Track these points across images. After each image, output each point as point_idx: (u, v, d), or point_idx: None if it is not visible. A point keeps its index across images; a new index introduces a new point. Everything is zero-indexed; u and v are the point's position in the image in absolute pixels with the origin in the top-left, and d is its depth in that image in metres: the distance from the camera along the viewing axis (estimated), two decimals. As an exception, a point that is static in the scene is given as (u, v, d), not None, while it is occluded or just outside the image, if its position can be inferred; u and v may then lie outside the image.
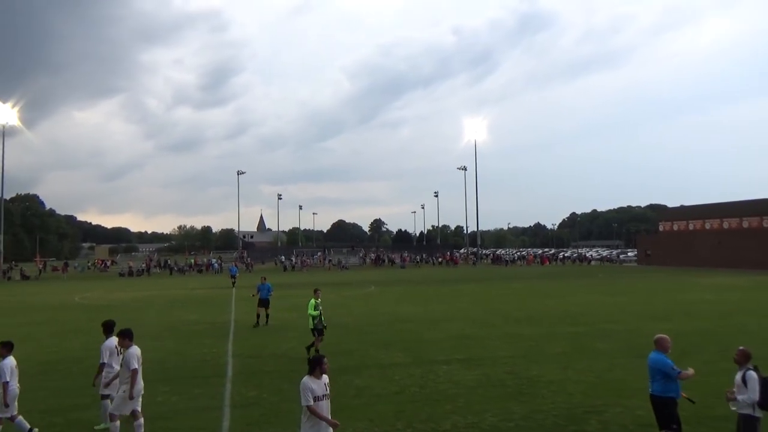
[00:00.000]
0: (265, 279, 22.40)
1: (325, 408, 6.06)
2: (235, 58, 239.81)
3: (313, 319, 15.23)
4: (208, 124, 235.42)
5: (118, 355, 8.95)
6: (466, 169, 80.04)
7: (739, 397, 6.81)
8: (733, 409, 7.01)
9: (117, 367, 8.74)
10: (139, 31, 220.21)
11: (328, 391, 6.19)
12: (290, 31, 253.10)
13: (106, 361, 8.96)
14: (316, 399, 6.00)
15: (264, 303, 21.17)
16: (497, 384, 11.85)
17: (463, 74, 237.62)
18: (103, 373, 8.99)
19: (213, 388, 11.96)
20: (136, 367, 8.10)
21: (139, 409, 8.26)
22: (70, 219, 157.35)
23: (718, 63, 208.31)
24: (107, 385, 8.95)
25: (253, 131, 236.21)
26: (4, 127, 65.01)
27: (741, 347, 7.17)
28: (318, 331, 15.23)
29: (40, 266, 71.36)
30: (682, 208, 71.86)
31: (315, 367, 6.17)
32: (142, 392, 8.41)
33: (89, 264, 78.51)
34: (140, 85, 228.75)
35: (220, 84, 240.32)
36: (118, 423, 8.07)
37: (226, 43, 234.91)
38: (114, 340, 9.08)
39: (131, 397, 8.02)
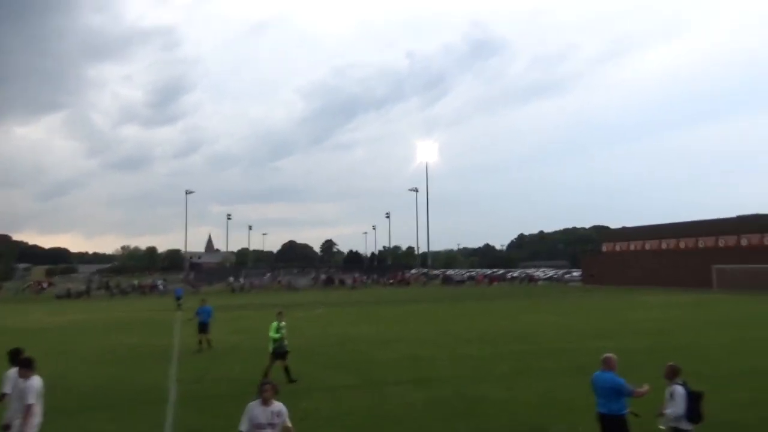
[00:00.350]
0: (204, 301, 21.39)
1: None
2: (186, 75, 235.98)
3: (273, 342, 14.45)
4: (157, 142, 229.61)
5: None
6: (417, 191, 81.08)
7: (667, 411, 7.14)
8: (661, 427, 7.34)
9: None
10: (87, 46, 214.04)
11: (276, 421, 5.92)
12: (245, 50, 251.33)
13: (8, 392, 7.95)
14: (256, 427, 5.78)
15: (203, 328, 20.08)
16: (445, 403, 11.89)
17: (416, 97, 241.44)
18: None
19: (155, 414, 11.51)
20: (33, 402, 7.43)
21: None
22: (5, 238, 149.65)
23: (663, 89, 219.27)
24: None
25: (204, 150, 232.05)
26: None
27: (670, 363, 7.51)
28: (279, 354, 14.41)
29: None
30: (624, 229, 74.60)
31: (259, 392, 6.02)
32: (36, 430, 7.59)
33: (24, 286, 74.64)
34: (86, 100, 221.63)
35: (169, 101, 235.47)
36: None
37: (178, 60, 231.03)
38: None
39: None
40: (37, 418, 7.59)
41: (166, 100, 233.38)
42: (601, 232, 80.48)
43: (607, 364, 7.57)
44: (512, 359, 17.26)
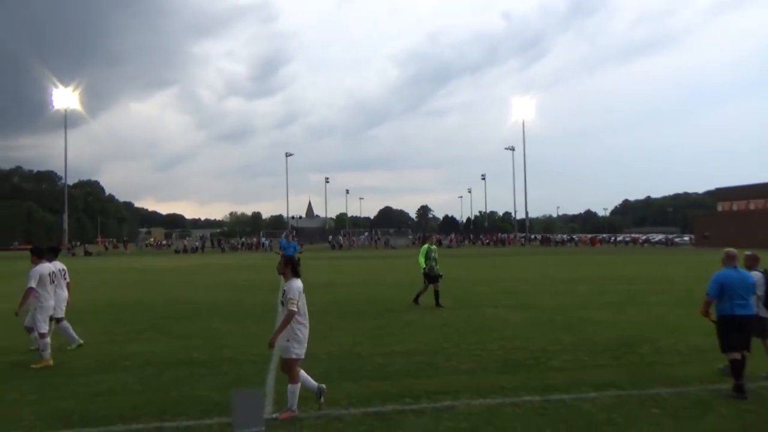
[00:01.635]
0: (291, 237, 20.82)
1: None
2: (283, 48, 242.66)
3: (423, 266, 14.02)
4: (258, 114, 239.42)
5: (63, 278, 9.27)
6: (514, 149, 78.81)
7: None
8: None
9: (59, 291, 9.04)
10: (192, 24, 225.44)
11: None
12: (338, 21, 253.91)
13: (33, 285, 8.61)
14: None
15: None
16: (545, 322, 11.73)
17: (512, 60, 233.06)
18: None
19: (263, 320, 12.32)
20: (31, 285, 8.36)
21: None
22: (129, 205, 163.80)
23: None
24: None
25: (302, 120, 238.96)
26: (66, 111, 68.35)
27: (747, 252, 7.24)
28: (431, 278, 13.98)
29: (103, 246, 74.77)
30: (742, 187, 68.37)
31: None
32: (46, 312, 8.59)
33: (147, 242, 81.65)
34: (193, 76, 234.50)
35: (269, 74, 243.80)
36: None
37: (275, 34, 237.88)
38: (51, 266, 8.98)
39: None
40: (41, 301, 8.48)
41: (265, 74, 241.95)
42: (717, 191, 74.20)
43: (735, 259, 6.86)
44: (617, 294, 16.63)
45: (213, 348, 9.42)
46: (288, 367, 5.91)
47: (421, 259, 14.16)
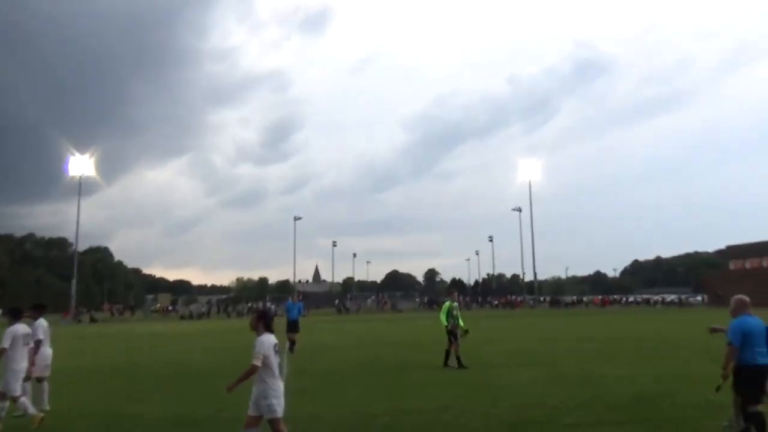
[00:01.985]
0: (296, 297, 19.68)
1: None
2: (295, 114, 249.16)
3: (445, 323, 13.56)
4: (269, 179, 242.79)
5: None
6: (521, 210, 78.99)
7: None
8: None
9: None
10: (209, 94, 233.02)
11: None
12: (350, 86, 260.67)
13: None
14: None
15: (292, 326, 17.24)
16: (558, 378, 11.39)
17: (519, 123, 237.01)
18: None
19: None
20: (4, 346, 8.06)
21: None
22: (137, 271, 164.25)
23: None
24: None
25: (312, 185, 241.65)
26: (80, 178, 69.59)
27: (737, 297, 6.76)
28: (454, 335, 13.48)
29: (109, 312, 74.35)
30: (755, 244, 67.80)
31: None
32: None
33: (154, 308, 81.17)
34: (207, 143, 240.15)
35: (281, 140, 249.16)
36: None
37: (288, 100, 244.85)
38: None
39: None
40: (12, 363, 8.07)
41: (277, 140, 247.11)
42: (728, 249, 73.66)
43: (748, 307, 6.68)
44: (632, 350, 16.22)
45: (216, 408, 9.16)
46: (276, 427, 5.75)
47: (443, 317, 13.69)
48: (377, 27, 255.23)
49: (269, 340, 5.86)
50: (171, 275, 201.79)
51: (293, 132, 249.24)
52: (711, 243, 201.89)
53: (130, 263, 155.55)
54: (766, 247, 63.29)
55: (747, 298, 6.75)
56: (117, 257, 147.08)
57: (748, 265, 64.46)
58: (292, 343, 16.85)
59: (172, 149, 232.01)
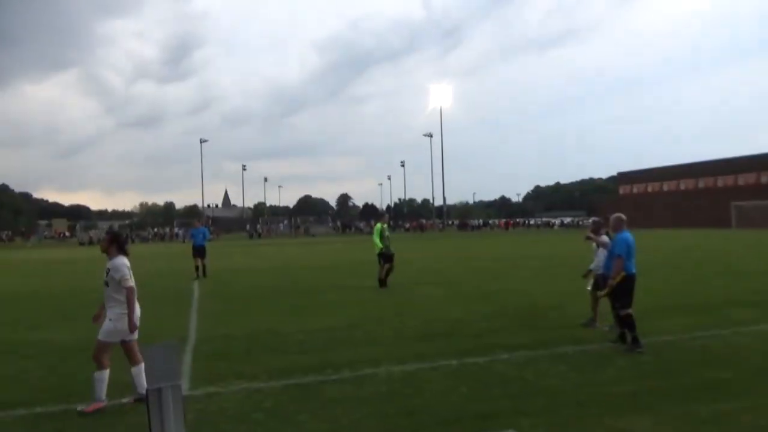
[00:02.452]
0: (198, 223, 19.24)
1: None
2: (197, 30, 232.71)
3: (379, 246, 13.70)
4: (171, 100, 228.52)
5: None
6: (432, 136, 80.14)
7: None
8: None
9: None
10: (98, 2, 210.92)
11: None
12: (255, 3, 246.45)
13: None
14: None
15: (199, 251, 17.14)
16: (463, 295, 12.14)
17: (432, 48, 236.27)
18: None
19: (180, 304, 11.93)
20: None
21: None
22: (26, 196, 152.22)
23: (683, 35, 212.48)
24: None
25: (217, 107, 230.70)
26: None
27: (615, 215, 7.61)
28: (386, 257, 13.70)
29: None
30: (641, 171, 73.53)
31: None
32: None
33: (47, 235, 76.31)
34: (98, 58, 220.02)
35: (182, 58, 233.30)
36: None
37: (188, 14, 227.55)
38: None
39: None
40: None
41: (179, 57, 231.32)
42: (619, 175, 79.31)
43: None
44: (529, 269, 17.46)
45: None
46: (101, 351, 5.48)
47: (377, 239, 13.77)
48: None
49: (125, 261, 5.68)
50: (66, 200, 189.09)
51: (194, 49, 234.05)
52: (606, 170, 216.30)
53: (16, 188, 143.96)
54: (651, 174, 68.82)
55: (624, 216, 7.51)
56: (1, 181, 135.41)
57: (635, 190, 70.04)
58: (202, 268, 16.95)
59: (57, 62, 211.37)
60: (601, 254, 8.14)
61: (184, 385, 5.92)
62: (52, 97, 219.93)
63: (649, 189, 67.46)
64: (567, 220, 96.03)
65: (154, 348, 2.54)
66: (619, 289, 7.13)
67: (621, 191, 73.66)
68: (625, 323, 7.06)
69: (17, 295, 14.44)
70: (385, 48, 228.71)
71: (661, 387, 5.49)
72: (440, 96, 78.37)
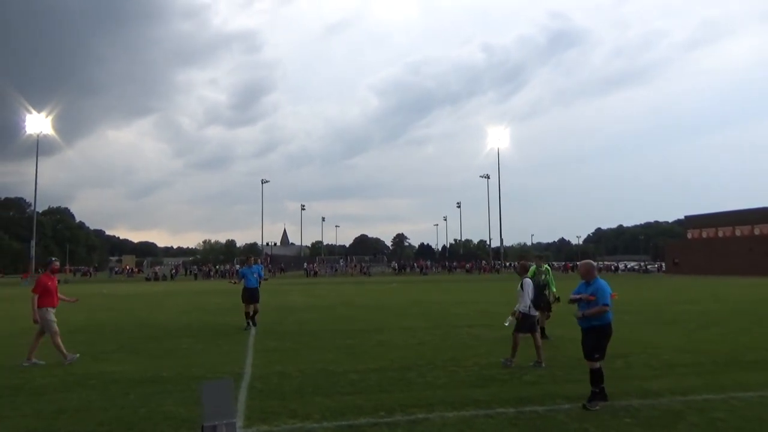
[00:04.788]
0: (253, 260, 15.87)
1: None
2: (266, 77, 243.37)
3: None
4: (238, 142, 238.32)
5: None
6: (489, 177, 79.75)
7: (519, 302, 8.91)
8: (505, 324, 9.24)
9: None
10: (176, 53, 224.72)
11: None
12: (321, 51, 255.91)
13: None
14: None
15: (252, 295, 14.39)
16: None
17: (491, 91, 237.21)
18: None
19: (237, 341, 12.11)
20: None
21: None
22: (99, 233, 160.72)
23: (748, 79, 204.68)
24: None
25: (281, 149, 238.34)
26: (38, 136, 67.15)
27: (521, 261, 8.17)
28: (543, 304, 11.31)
29: (71, 273, 72.91)
30: (711, 215, 70.08)
31: None
32: None
33: (117, 270, 79.88)
34: (174, 104, 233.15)
35: (251, 103, 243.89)
36: None
37: (259, 63, 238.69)
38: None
39: None
40: None
41: (247, 102, 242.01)
42: (687, 219, 75.95)
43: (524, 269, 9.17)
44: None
45: (182, 367, 9.20)
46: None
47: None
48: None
49: None
50: (136, 237, 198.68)
51: (263, 95, 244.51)
52: (672, 213, 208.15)
53: (92, 225, 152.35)
54: (721, 218, 65.54)
55: (594, 263, 7.37)
56: (78, 219, 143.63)
57: (704, 234, 66.76)
58: (253, 314, 14.31)
59: (137, 109, 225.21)
60: (526, 296, 8.74)
61: (239, 422, 5.94)
62: (130, 141, 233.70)
63: (720, 234, 64.14)
64: (632, 264, 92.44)
65: (211, 385, 2.57)
66: (597, 340, 6.74)
67: (689, 235, 70.29)
68: (595, 376, 6.62)
69: (84, 328, 15.05)
70: (446, 91, 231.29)
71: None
72: (498, 138, 78.23)
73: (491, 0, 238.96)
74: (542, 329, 11.49)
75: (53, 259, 11.16)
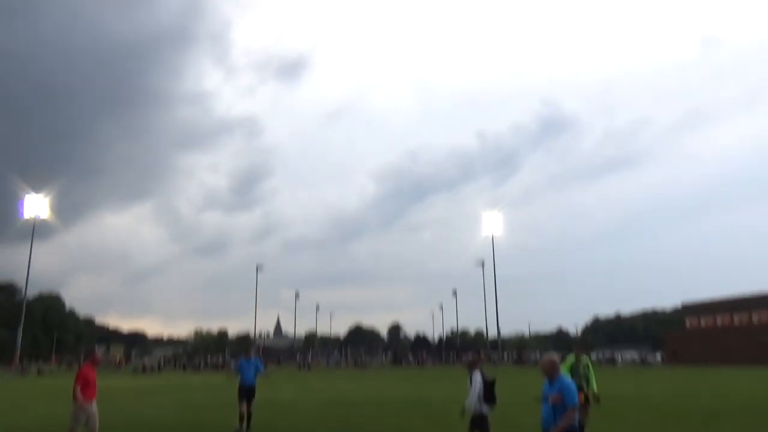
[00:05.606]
0: (251, 353, 13.95)
1: None
2: (266, 162, 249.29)
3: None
4: (235, 228, 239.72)
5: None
6: (484, 263, 79.75)
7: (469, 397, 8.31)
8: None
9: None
10: (179, 137, 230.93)
11: None
12: (321, 137, 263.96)
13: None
14: None
15: (248, 392, 12.96)
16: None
17: (486, 177, 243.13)
18: None
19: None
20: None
21: None
22: (89, 322, 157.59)
23: (746, 160, 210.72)
24: None
25: (279, 234, 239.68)
26: (35, 219, 66.89)
27: (469, 356, 7.84)
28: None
29: (56, 364, 70.79)
30: (709, 302, 69.60)
31: None
32: None
33: (104, 361, 77.62)
34: (173, 188, 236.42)
35: (249, 188, 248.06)
36: None
37: (259, 148, 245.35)
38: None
39: None
40: None
41: (245, 187, 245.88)
42: (684, 307, 75.55)
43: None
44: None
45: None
46: None
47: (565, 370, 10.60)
48: (350, 78, 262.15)
49: None
50: (127, 324, 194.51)
51: (262, 180, 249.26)
52: (668, 299, 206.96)
53: (83, 311, 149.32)
54: (719, 306, 65.25)
55: (557, 359, 6.82)
56: (69, 305, 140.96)
57: (703, 323, 66.15)
58: (248, 418, 12.79)
59: (137, 193, 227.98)
60: (474, 392, 8.32)
61: None
62: (127, 226, 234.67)
63: (719, 322, 63.56)
64: (629, 356, 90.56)
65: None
66: None
67: (688, 324, 69.59)
68: None
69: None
70: (442, 177, 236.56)
71: None
72: (492, 224, 78.99)
73: (485, 87, 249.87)
74: (581, 427, 9.99)
75: (95, 348, 11.09)
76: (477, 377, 8.36)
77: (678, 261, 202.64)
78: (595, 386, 10.62)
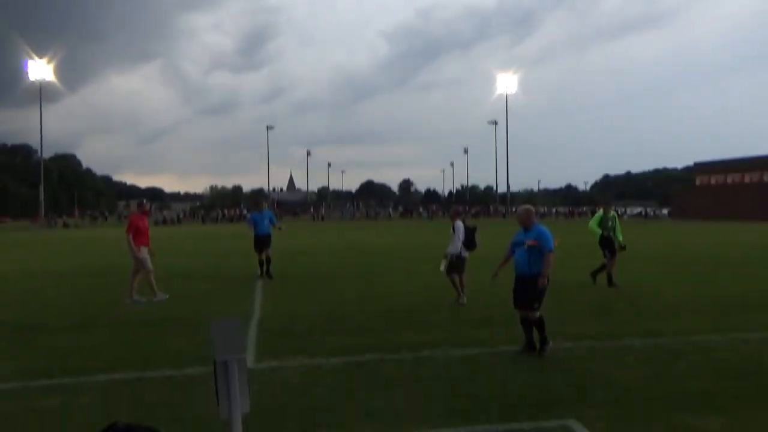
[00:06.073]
0: (261, 205, 14.80)
1: None
2: (271, 22, 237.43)
3: (596, 235, 11.81)
4: (244, 88, 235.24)
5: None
6: (496, 123, 78.74)
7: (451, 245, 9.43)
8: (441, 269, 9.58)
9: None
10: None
11: None
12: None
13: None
14: None
15: (263, 242, 13.35)
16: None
17: (502, 36, 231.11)
18: None
19: (247, 284, 12.32)
20: None
21: None
22: (107, 179, 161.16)
23: (762, 23, 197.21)
24: None
25: (287, 95, 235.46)
26: (40, 83, 66.19)
27: (453, 206, 7.61)
28: (610, 250, 11.49)
29: (80, 218, 73.82)
30: (720, 161, 69.28)
31: None
32: None
33: (125, 216, 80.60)
34: (178, 49, 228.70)
35: (256, 48, 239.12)
36: None
37: (264, 7, 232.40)
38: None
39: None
40: None
41: (251, 48, 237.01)
42: (696, 165, 75.21)
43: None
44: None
45: (193, 309, 9.42)
46: None
47: (594, 225, 11.82)
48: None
49: None
50: (143, 182, 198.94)
51: (268, 40, 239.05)
52: (681, 160, 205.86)
53: (99, 171, 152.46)
54: (731, 165, 64.81)
55: (533, 208, 7.04)
56: (85, 164, 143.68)
57: (713, 181, 66.25)
58: (267, 263, 13.21)
59: (142, 55, 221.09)
60: (457, 239, 9.29)
61: (250, 358, 6.12)
62: (136, 88, 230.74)
63: (729, 180, 63.60)
64: (637, 210, 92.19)
65: (221, 322, 2.64)
66: (541, 290, 6.42)
67: (698, 182, 69.76)
68: (539, 325, 6.37)
69: (93, 270, 15.31)
70: (456, 37, 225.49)
71: (736, 386, 5.16)
72: (507, 84, 76.65)
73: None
74: (609, 276, 11.36)
75: (144, 200, 11.72)
76: (459, 225, 9.42)
77: (692, 122, 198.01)
78: (621, 237, 11.78)
